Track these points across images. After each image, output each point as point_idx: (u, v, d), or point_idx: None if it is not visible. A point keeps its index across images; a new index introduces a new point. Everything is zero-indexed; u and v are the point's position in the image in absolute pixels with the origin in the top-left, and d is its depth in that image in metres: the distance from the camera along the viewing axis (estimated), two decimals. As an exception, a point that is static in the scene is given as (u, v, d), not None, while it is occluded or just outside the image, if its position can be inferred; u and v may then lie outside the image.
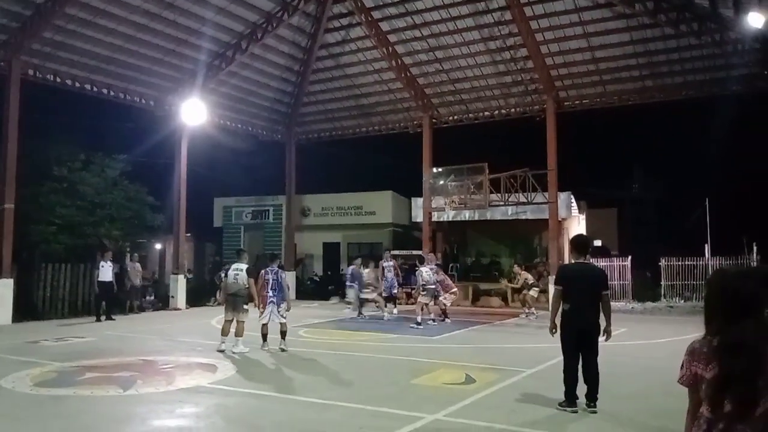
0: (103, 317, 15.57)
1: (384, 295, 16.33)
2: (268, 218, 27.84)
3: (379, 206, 26.26)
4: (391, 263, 16.88)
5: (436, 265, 16.08)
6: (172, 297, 19.34)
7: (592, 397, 6.45)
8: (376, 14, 19.32)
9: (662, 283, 19.36)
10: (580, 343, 6.50)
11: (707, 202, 22.92)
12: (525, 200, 18.44)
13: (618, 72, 19.00)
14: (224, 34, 18.81)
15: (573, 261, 7.00)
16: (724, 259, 18.09)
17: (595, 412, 6.36)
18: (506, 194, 18.38)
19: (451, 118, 22.25)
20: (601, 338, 6.57)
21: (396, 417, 6.24)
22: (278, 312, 10.30)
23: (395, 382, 8.04)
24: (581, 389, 6.49)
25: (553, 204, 19.14)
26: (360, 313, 16.22)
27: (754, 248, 19.01)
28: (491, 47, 19.45)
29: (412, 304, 16.85)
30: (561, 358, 6.67)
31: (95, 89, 18.15)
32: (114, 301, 16.45)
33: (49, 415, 6.37)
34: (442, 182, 19.45)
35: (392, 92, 22.42)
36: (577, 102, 20.12)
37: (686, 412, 2.43)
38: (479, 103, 21.74)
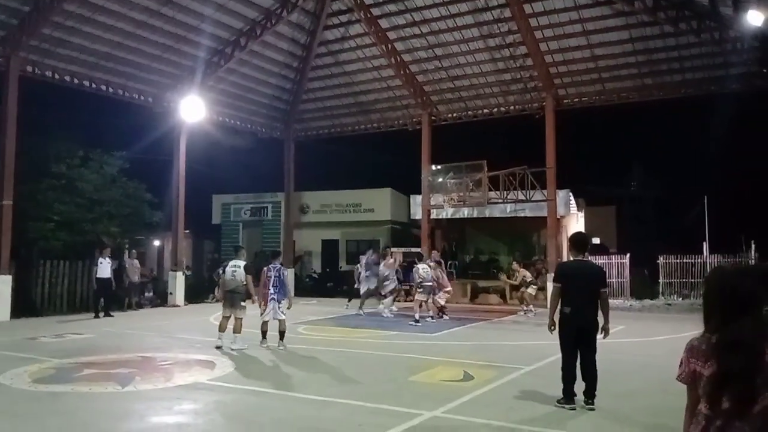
0: (101, 314, 15.55)
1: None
2: (267, 215, 27.85)
3: (378, 203, 26.28)
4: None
5: (436, 261, 16.06)
6: (171, 294, 19.34)
7: (590, 394, 6.46)
8: (376, 11, 19.29)
9: (660, 280, 19.39)
10: (578, 341, 6.51)
11: (706, 200, 23.00)
12: (524, 198, 18.44)
13: (617, 70, 18.99)
14: (223, 30, 18.77)
15: (572, 258, 7.00)
16: (722, 257, 18.13)
17: (593, 410, 6.37)
18: (505, 192, 18.38)
19: (450, 115, 22.23)
20: (600, 336, 6.58)
21: (394, 414, 6.25)
22: (279, 308, 10.32)
23: (394, 379, 8.05)
24: (579, 386, 6.50)
25: (552, 201, 19.14)
26: (360, 307, 16.15)
27: (753, 246, 19.05)
28: (490, 45, 19.43)
29: (411, 301, 16.85)
30: (559, 355, 6.69)
31: (94, 86, 18.11)
32: (112, 298, 16.43)
33: (47, 411, 6.37)
34: (440, 180, 19.44)
35: (391, 89, 22.39)
36: (576, 100, 20.10)
37: (684, 409, 2.43)
38: (478, 100, 21.72)
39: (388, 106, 23.24)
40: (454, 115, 22.19)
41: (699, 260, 19.19)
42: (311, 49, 21.06)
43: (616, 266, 19.55)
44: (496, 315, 16.80)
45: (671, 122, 33.99)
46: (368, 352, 10.41)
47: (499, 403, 6.76)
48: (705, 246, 20.24)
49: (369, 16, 19.32)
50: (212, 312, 15.51)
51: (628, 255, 19.84)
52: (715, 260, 18.31)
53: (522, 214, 21.49)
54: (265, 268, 10.52)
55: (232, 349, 10.01)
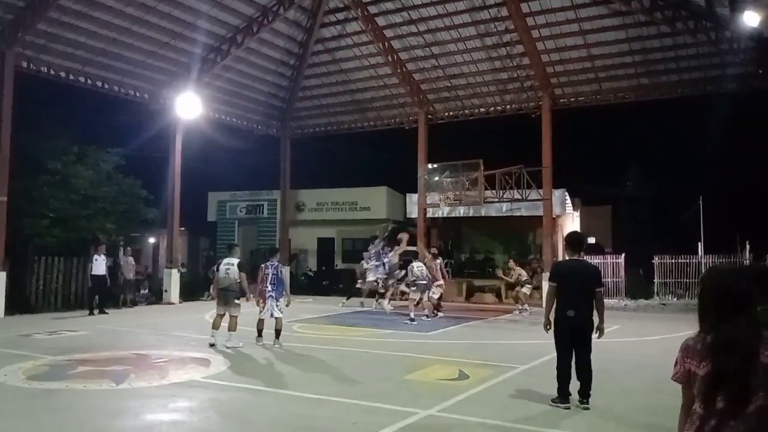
0: (96, 311, 15.51)
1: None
2: (263, 213, 27.84)
3: (374, 202, 26.26)
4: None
5: (433, 254, 16.06)
6: (166, 291, 19.29)
7: (585, 393, 6.47)
8: (373, 9, 19.27)
9: (655, 280, 19.42)
10: (573, 340, 6.52)
11: (701, 201, 23.03)
12: (519, 197, 18.48)
13: (614, 69, 19.03)
14: (220, 27, 18.72)
15: (567, 258, 7.00)
16: (717, 258, 18.17)
17: (587, 409, 6.38)
18: (501, 191, 18.41)
19: (446, 114, 22.23)
20: (595, 335, 6.59)
21: (389, 412, 6.25)
22: (276, 306, 10.30)
23: (389, 378, 8.05)
24: (574, 386, 6.51)
25: (548, 201, 19.17)
26: (361, 302, 16.10)
27: (747, 246, 19.09)
28: (487, 43, 19.44)
29: (407, 299, 16.83)
30: (554, 354, 6.70)
31: (89, 82, 18.04)
32: (107, 295, 16.37)
33: (41, 408, 6.35)
34: (437, 178, 19.46)
35: (388, 88, 22.39)
36: (572, 99, 20.13)
37: (679, 409, 2.44)
38: (475, 99, 21.73)
39: (384, 104, 23.23)
40: (451, 113, 22.19)
41: (694, 260, 19.24)
42: (308, 46, 21.04)
43: (612, 266, 19.57)
44: (492, 314, 16.81)
45: (668, 122, 33.97)
46: (363, 350, 10.41)
47: (494, 401, 6.77)
48: (700, 246, 20.28)
49: (366, 13, 19.31)
50: (207, 309, 15.47)
51: (623, 255, 19.88)
52: (710, 260, 18.37)
53: (518, 214, 21.51)
54: (263, 266, 10.52)
55: (227, 347, 9.99)
